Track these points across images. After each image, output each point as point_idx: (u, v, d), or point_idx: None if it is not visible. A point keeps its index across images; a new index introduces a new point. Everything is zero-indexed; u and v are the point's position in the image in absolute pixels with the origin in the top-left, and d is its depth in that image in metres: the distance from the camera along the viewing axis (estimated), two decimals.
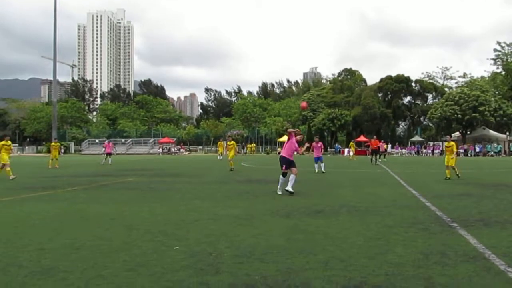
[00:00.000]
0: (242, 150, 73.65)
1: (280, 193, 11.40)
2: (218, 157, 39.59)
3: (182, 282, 4.20)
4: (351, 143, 44.37)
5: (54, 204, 9.76)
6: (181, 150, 74.49)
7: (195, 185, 14.17)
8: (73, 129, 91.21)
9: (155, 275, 4.42)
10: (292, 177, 11.45)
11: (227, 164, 24.40)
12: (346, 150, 69.13)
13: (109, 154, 32.08)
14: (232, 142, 25.16)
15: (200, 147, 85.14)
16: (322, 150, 22.34)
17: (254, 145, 79.37)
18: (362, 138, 70.99)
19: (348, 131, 79.14)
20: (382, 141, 44.11)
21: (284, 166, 11.49)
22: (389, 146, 66.45)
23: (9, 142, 18.01)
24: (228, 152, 24.29)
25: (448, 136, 19.78)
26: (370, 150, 33.01)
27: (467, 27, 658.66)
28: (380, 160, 36.31)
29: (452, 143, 17.44)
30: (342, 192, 12.22)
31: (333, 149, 70.56)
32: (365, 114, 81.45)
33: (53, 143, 28.82)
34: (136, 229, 6.75)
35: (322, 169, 21.03)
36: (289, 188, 11.30)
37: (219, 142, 42.19)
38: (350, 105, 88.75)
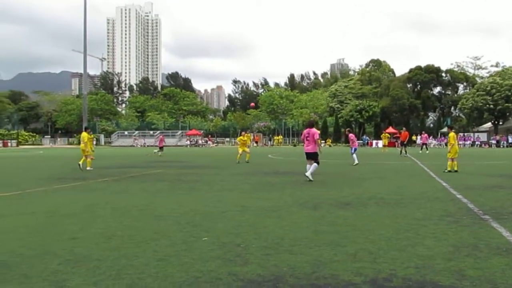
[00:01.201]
0: (269, 142, 73.72)
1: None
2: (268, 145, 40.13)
3: (211, 273, 4.25)
4: (383, 134, 43.64)
5: (86, 194, 9.99)
6: (208, 142, 75.05)
7: (222, 177, 14.28)
8: (103, 121, 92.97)
9: (185, 265, 4.47)
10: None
11: (238, 158, 24.30)
12: (374, 142, 68.41)
13: (162, 148, 32.77)
14: (247, 135, 24.64)
15: (227, 139, 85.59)
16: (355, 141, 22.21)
17: (281, 137, 79.25)
18: (390, 130, 69.93)
19: (376, 123, 78.06)
20: (424, 132, 43.58)
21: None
22: (418, 137, 65.37)
23: (91, 135, 18.88)
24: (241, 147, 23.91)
25: (447, 127, 19.12)
26: (399, 142, 32.75)
27: (499, 15, 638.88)
28: (421, 152, 36.01)
29: (450, 134, 16.90)
30: (370, 184, 12.12)
31: (361, 141, 69.88)
32: (393, 105, 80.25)
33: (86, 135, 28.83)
34: (165, 219, 6.85)
35: (355, 160, 20.56)
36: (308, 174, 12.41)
37: (246, 135, 42.02)
38: (378, 96, 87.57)
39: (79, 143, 22.13)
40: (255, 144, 68.99)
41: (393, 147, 60.63)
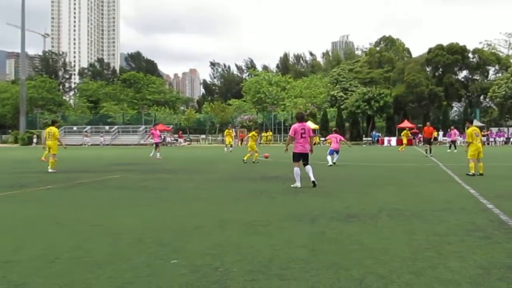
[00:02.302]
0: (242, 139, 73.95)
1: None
2: (225, 149, 39.76)
3: None
4: (405, 131, 43.77)
5: (23, 206, 9.87)
6: (179, 140, 74.88)
7: (197, 184, 14.25)
8: (45, 113, 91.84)
9: None
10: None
11: (240, 158, 24.37)
12: (386, 139, 68.99)
13: (157, 145, 31.31)
14: (229, 131, 27.02)
15: (203, 136, 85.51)
16: (339, 142, 24.32)
17: (271, 133, 79.47)
18: (406, 124, 70.56)
19: (389, 115, 78.68)
20: (453, 127, 43.96)
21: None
22: (440, 133, 66.10)
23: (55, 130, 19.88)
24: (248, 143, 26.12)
25: (467, 122, 19.19)
26: (423, 139, 33.19)
27: None
28: (449, 151, 36.41)
29: (468, 129, 17.02)
30: (381, 191, 12.20)
31: (370, 138, 70.45)
32: (409, 93, 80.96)
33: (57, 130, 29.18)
34: (124, 238, 6.80)
35: (333, 161, 22.93)
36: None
37: (227, 130, 42.42)
38: (391, 82, 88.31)
39: (28, 142, 22.44)
40: (239, 143, 69.03)
41: (410, 145, 61.12)
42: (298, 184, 12.90)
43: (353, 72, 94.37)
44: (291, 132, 13.42)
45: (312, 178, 13.07)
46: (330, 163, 22.65)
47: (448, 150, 37.71)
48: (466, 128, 17.80)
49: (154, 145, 31.93)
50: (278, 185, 13.51)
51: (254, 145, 25.64)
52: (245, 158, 24.88)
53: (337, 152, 23.69)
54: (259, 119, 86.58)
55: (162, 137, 74.70)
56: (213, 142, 79.94)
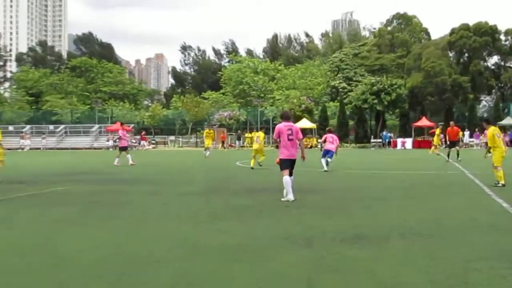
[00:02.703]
0: (237, 141, 73.88)
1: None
2: (205, 153, 39.75)
3: None
4: (437, 129, 43.40)
5: None
6: (142, 143, 74.64)
7: (165, 198, 14.19)
8: None
9: None
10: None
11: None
12: (399, 140, 69.36)
13: (125, 149, 31.21)
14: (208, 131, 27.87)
15: (172, 137, 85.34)
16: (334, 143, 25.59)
17: (256, 133, 79.51)
18: (423, 122, 71.05)
19: (403, 111, 78.96)
20: (487, 122, 43.63)
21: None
22: (466, 133, 66.53)
23: None
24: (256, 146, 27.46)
25: (484, 122, 19.02)
26: (447, 142, 33.24)
27: None
28: (486, 157, 36.39)
29: (491, 129, 17.13)
30: (393, 206, 12.24)
31: (380, 140, 70.73)
32: (428, 84, 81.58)
33: None
34: (69, 267, 6.73)
35: (326, 166, 24.19)
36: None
37: (207, 131, 42.36)
38: (406, 70, 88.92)
39: None
40: (221, 146, 69.01)
41: (429, 148, 61.40)
42: (290, 196, 12.94)
43: (359, 57, 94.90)
44: (275, 134, 13.54)
45: (287, 196, 13.09)
46: (325, 168, 23.52)
47: (488, 155, 37.81)
48: (485, 130, 17.88)
49: (119, 149, 31.84)
50: (266, 199, 13.50)
51: (263, 147, 27.31)
52: (260, 161, 26.86)
53: (330, 153, 24.67)
54: (241, 116, 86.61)
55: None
56: (184, 145, 79.80)
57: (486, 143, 17.11)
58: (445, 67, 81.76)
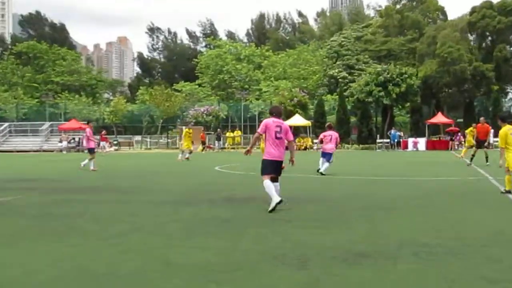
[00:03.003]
0: (216, 142, 73.78)
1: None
2: (180, 156, 39.98)
3: None
4: (470, 128, 42.72)
5: None
6: (102, 144, 74.31)
7: (132, 209, 14.19)
8: None
9: None
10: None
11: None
12: (411, 140, 69.61)
13: (93, 151, 31.55)
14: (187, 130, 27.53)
15: (138, 137, 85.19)
16: (334, 142, 26.04)
17: (239, 132, 79.52)
18: (439, 119, 71.38)
19: (414, 105, 79.34)
20: (501, 120, 43.54)
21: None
22: (491, 132, 66.81)
23: None
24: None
25: (499, 119, 18.97)
26: (475, 142, 33.09)
27: None
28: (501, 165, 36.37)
29: (505, 128, 17.18)
30: (404, 218, 12.23)
31: (387, 140, 70.86)
32: (444, 73, 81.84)
33: None
34: None
35: (322, 168, 25.01)
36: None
37: (187, 130, 42.57)
38: (418, 57, 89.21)
39: None
40: (200, 148, 69.04)
41: (446, 150, 61.82)
42: (275, 198, 12.89)
43: (362, 41, 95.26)
44: (261, 129, 13.52)
45: (272, 204, 12.96)
46: (321, 168, 24.36)
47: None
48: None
49: (88, 151, 32.20)
50: (250, 211, 13.50)
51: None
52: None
53: (327, 156, 25.06)
54: (222, 111, 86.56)
55: (76, 140, 74.37)
56: (153, 147, 79.73)
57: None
58: (464, 52, 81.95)
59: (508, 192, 16.46)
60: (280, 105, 15.68)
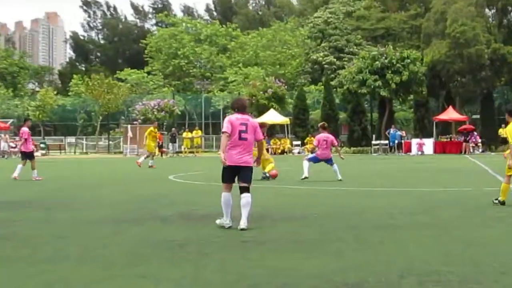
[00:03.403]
0: (170, 145, 73.58)
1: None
2: (142, 160, 40.61)
3: None
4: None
5: None
6: (4, 144, 73.94)
7: (62, 228, 14.19)
8: None
9: None
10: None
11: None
12: (414, 142, 69.82)
13: (29, 156, 31.79)
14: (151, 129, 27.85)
15: (72, 139, 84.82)
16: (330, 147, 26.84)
17: (199, 132, 79.45)
18: (450, 114, 71.65)
19: (419, 98, 79.45)
20: (509, 114, 44.01)
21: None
22: None
23: None
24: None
25: (507, 113, 19.31)
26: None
27: None
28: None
29: (508, 126, 17.50)
30: (405, 238, 12.27)
31: (385, 141, 70.97)
32: (456, 57, 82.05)
33: None
34: None
35: (338, 176, 26.16)
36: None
37: (151, 129, 43.19)
38: (423, 37, 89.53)
39: None
40: (157, 151, 69.13)
41: (458, 153, 62.14)
42: (226, 220, 13.31)
43: (353, 18, 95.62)
44: (227, 127, 13.48)
45: (243, 224, 13.31)
46: (306, 174, 24.81)
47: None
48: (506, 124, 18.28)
49: (21, 156, 32.54)
50: (214, 230, 13.46)
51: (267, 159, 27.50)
52: (266, 171, 27.16)
53: (328, 161, 25.81)
54: (177, 106, 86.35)
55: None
56: (91, 150, 79.46)
57: None
58: (481, 32, 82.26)
59: (503, 203, 16.87)
60: (245, 98, 15.61)
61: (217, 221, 13.39)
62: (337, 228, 13.76)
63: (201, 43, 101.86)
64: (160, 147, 68.33)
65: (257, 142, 13.77)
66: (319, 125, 29.17)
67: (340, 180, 25.35)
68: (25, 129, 32.60)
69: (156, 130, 44.82)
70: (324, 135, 25.85)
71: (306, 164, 25.27)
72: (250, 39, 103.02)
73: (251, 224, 13.01)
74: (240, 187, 13.42)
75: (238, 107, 13.82)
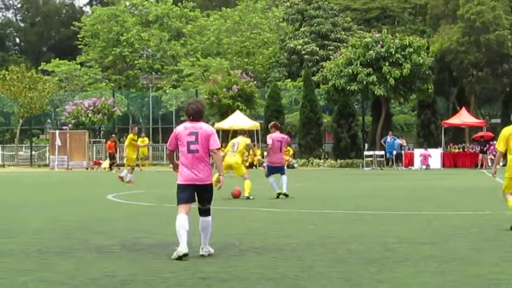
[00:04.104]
0: (113, 155, 73.48)
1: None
2: (124, 173, 40.92)
3: None
4: None
5: None
6: None
7: None
8: None
9: None
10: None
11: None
12: (417, 152, 69.98)
13: None
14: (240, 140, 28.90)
15: None
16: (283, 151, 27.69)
17: (146, 140, 79.28)
18: (463, 118, 71.89)
19: (423, 96, 79.54)
20: None
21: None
22: None
23: None
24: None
25: None
26: None
27: None
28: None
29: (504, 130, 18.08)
30: (405, 277, 12.23)
31: (380, 152, 71.02)
32: (470, 46, 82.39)
33: None
34: None
35: (284, 189, 26.16)
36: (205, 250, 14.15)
37: (130, 136, 45.77)
38: (429, 21, 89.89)
39: None
40: (104, 165, 68.99)
41: (473, 167, 62.43)
42: (180, 248, 13.46)
43: None
44: (169, 143, 14.07)
45: (204, 250, 13.88)
46: (277, 189, 25.43)
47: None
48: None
49: None
50: (163, 264, 13.47)
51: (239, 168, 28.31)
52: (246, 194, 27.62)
53: (280, 170, 26.45)
54: (119, 106, 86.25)
55: None
56: (8, 163, 79.29)
57: None
58: (502, 13, 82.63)
59: None
60: (200, 100, 15.71)
61: (174, 255, 13.47)
62: (320, 263, 13.79)
63: (148, 27, 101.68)
64: (111, 157, 68.33)
65: (212, 152, 13.90)
66: (270, 124, 29.58)
67: (286, 195, 25.82)
68: None
69: (135, 137, 46.26)
70: (276, 136, 26.43)
71: (271, 180, 25.93)
72: (210, 22, 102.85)
73: (212, 257, 13.04)
74: (200, 209, 13.79)
75: (191, 113, 14.11)
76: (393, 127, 78.53)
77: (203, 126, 14.00)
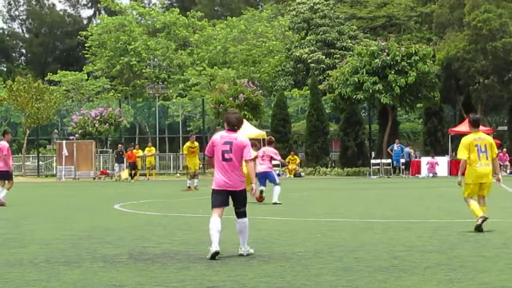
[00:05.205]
0: (117, 165, 73.31)
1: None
2: (189, 183, 41.62)
3: None
4: None
5: None
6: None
7: None
8: None
9: None
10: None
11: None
12: (425, 160, 69.70)
13: (7, 175, 33.08)
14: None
15: None
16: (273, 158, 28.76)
17: (153, 150, 79.24)
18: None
19: (429, 104, 79.32)
20: None
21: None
22: None
23: None
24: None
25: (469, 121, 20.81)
26: None
27: None
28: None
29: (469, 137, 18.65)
30: (416, 285, 12.18)
31: (388, 161, 70.75)
32: (477, 53, 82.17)
33: None
34: None
35: (276, 199, 27.25)
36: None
37: (189, 145, 46.30)
38: (435, 28, 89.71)
39: None
40: (124, 174, 68.89)
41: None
42: (212, 248, 14.37)
43: (347, 4, 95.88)
44: (207, 150, 14.86)
45: (243, 250, 14.93)
46: (274, 197, 26.32)
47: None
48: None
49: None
50: (170, 273, 13.41)
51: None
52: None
53: (267, 178, 27.52)
54: (125, 116, 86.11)
55: None
56: (15, 173, 78.66)
57: None
58: (509, 21, 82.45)
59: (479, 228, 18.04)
60: (236, 111, 16.36)
61: (207, 254, 14.37)
62: (327, 271, 13.78)
63: (155, 36, 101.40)
64: (133, 167, 67.88)
65: (246, 162, 14.52)
66: (266, 139, 30.12)
67: (279, 203, 26.49)
68: (3, 144, 32.80)
69: (194, 145, 46.56)
70: (267, 149, 28.21)
71: (275, 191, 26.66)
72: (217, 32, 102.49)
73: (219, 267, 13.04)
74: (235, 212, 14.73)
75: (233, 123, 14.86)
76: (399, 135, 78.27)
77: (238, 137, 14.64)
